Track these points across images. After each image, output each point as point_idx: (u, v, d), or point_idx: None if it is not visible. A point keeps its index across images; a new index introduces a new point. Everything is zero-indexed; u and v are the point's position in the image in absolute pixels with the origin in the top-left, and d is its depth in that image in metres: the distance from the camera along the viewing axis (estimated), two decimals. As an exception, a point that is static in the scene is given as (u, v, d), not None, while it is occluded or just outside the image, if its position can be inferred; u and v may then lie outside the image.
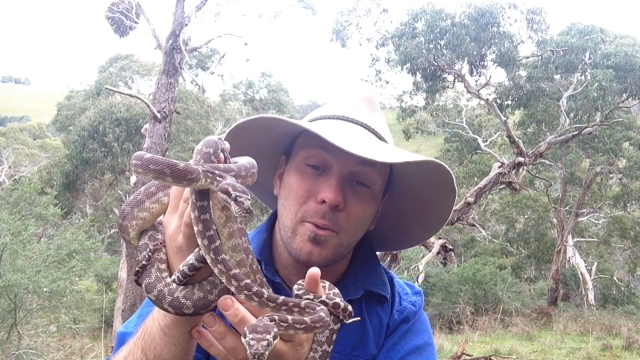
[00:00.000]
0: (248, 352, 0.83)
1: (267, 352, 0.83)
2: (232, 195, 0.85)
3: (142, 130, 11.50)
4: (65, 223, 20.74)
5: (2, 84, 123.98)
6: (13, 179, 26.47)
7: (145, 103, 11.43)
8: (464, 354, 10.29)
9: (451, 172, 1.26)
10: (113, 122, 19.16)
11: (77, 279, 11.04)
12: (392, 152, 1.25)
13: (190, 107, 21.87)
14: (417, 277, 12.49)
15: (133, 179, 11.02)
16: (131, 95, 15.19)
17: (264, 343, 0.83)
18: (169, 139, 11.26)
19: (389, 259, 11.90)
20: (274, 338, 0.85)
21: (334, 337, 1.03)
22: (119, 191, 21.21)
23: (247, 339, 0.84)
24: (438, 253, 11.97)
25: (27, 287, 8.40)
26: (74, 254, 10.24)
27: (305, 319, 0.91)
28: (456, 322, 16.54)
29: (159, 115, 10.60)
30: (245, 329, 0.86)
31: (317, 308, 0.93)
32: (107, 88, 16.92)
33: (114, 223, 22.45)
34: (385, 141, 1.34)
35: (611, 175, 22.26)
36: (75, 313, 10.67)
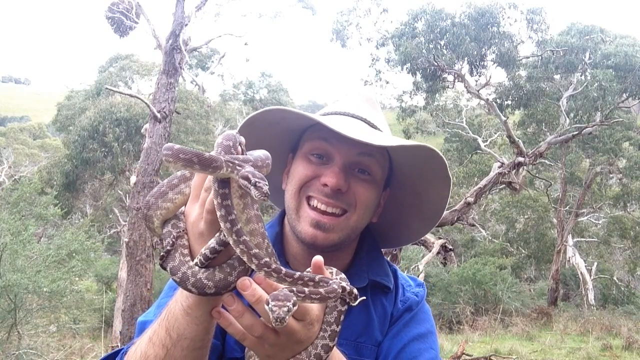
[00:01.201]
0: (270, 317, 0.92)
1: (287, 317, 0.92)
2: (252, 181, 0.94)
3: (142, 130, 11.48)
4: (65, 223, 20.74)
5: (2, 84, 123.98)
6: (13, 179, 26.45)
7: (145, 103, 11.42)
8: (464, 354, 10.30)
9: (444, 158, 1.34)
10: (113, 122, 19.12)
11: (77, 279, 11.05)
12: (387, 138, 1.35)
13: (190, 107, 21.85)
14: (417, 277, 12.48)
15: (133, 179, 11.01)
16: (131, 95, 15.16)
17: (285, 309, 0.92)
18: (169, 139, 11.22)
19: (388, 259, 11.87)
20: (294, 305, 0.94)
21: (342, 317, 1.11)
22: (119, 191, 21.15)
23: (269, 306, 0.93)
24: (438, 253, 11.93)
25: (27, 287, 8.41)
26: (74, 254, 10.26)
27: (320, 290, 0.99)
28: (456, 322, 16.55)
29: (159, 115, 10.59)
30: (268, 297, 0.94)
31: (330, 281, 1.02)
32: (107, 88, 16.89)
33: (114, 223, 22.44)
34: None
35: (611, 175, 22.25)
36: (75, 313, 10.69)
